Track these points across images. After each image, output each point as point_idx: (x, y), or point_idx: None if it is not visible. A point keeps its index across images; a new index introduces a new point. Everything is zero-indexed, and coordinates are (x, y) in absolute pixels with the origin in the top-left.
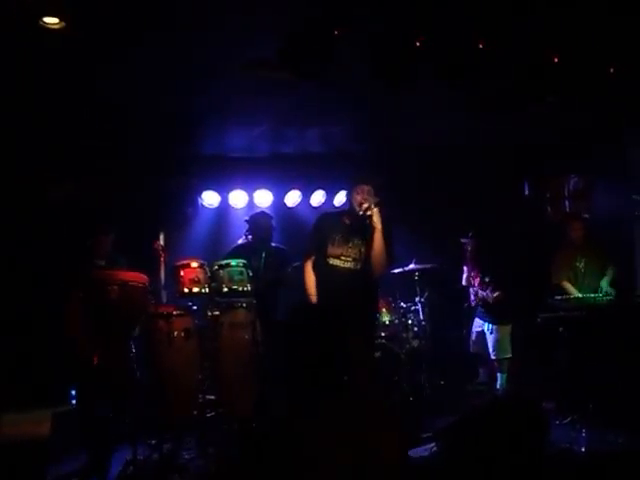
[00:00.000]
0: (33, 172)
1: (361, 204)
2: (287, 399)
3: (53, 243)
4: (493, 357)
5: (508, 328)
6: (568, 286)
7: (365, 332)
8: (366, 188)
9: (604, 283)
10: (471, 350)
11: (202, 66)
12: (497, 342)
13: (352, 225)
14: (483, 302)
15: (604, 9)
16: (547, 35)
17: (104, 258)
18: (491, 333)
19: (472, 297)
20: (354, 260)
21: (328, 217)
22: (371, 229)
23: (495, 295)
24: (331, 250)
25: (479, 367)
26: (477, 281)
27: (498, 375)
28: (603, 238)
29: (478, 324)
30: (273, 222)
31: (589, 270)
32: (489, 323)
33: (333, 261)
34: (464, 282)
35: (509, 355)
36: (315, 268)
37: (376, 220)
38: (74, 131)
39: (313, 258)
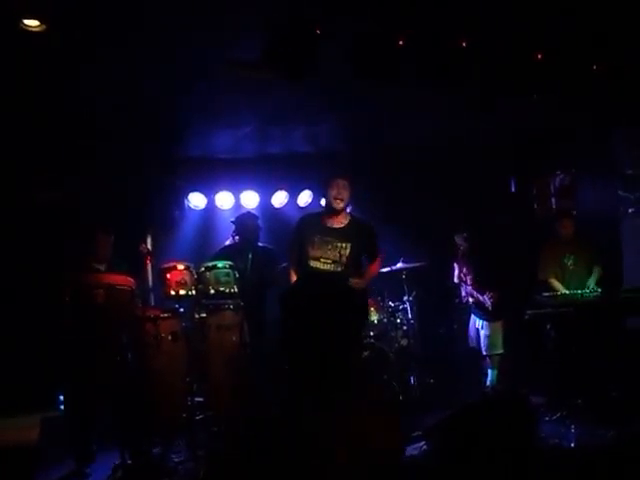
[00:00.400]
0: (18, 174)
1: (336, 198)
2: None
3: (38, 246)
4: (484, 353)
5: (499, 324)
6: (555, 283)
7: (347, 335)
8: (341, 182)
9: (591, 281)
10: (470, 346)
11: (186, 66)
12: (488, 338)
13: (329, 227)
14: (478, 303)
15: (588, 7)
16: (531, 33)
17: (104, 262)
18: (482, 329)
19: (463, 294)
20: (333, 262)
21: (307, 219)
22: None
23: (491, 299)
24: (311, 252)
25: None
26: (469, 279)
27: (489, 371)
28: (591, 235)
29: (474, 320)
30: (259, 222)
31: (577, 267)
32: (481, 320)
33: (314, 263)
34: (455, 279)
35: (500, 351)
36: (298, 270)
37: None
38: (57, 133)
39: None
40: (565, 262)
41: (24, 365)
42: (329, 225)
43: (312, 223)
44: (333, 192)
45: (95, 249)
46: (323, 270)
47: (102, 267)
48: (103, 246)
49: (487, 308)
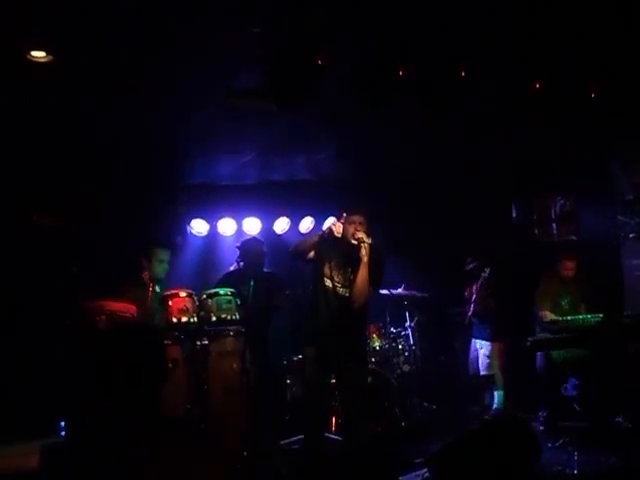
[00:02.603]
0: (18, 199)
1: (354, 235)
2: None
3: (40, 271)
4: (482, 372)
5: (498, 346)
6: (548, 315)
7: (357, 356)
8: (357, 219)
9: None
10: (471, 373)
11: (186, 96)
12: (487, 357)
13: (345, 253)
14: (483, 312)
15: (585, 35)
16: (529, 62)
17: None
18: (481, 348)
19: (470, 309)
20: (343, 287)
21: (326, 240)
22: (358, 260)
23: (488, 301)
24: (326, 271)
25: (484, 390)
26: (477, 289)
27: (495, 393)
28: (589, 264)
29: (474, 343)
30: (264, 248)
31: (572, 308)
32: (482, 340)
33: (327, 282)
34: (466, 294)
35: (495, 371)
36: (312, 284)
37: (364, 253)
38: (58, 160)
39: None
40: (560, 302)
41: (24, 391)
42: (343, 251)
43: (331, 245)
44: (351, 229)
45: (151, 267)
46: (335, 291)
47: (139, 289)
48: (160, 262)
49: (490, 316)
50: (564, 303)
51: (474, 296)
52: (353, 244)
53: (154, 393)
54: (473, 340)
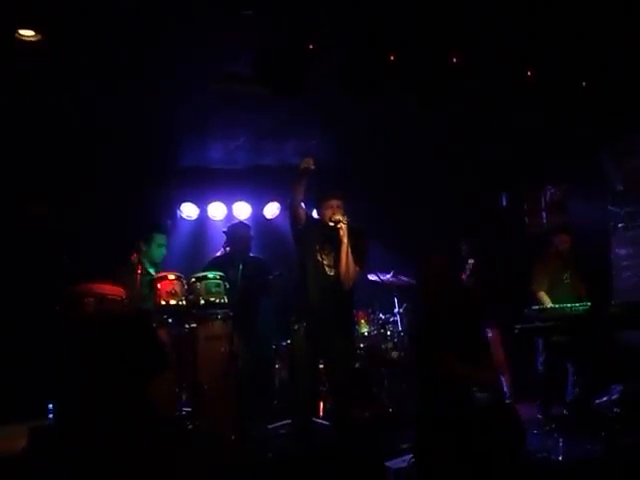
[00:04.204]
0: (6, 186)
1: (331, 219)
2: None
3: (28, 257)
4: None
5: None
6: (544, 297)
7: (345, 340)
8: (334, 203)
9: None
10: None
11: (180, 80)
12: None
13: (326, 237)
14: None
15: (578, 24)
16: (521, 50)
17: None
18: None
19: None
20: (329, 267)
21: (312, 221)
22: (338, 242)
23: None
24: (315, 252)
25: None
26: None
27: None
28: (578, 253)
29: None
30: (251, 232)
31: (573, 282)
32: None
33: (317, 262)
34: None
35: None
36: (300, 264)
37: (342, 234)
38: (49, 146)
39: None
40: (562, 277)
41: (13, 374)
42: (323, 234)
43: (315, 228)
44: (328, 213)
45: (150, 252)
46: (324, 269)
47: (128, 273)
48: (160, 247)
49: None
50: (565, 277)
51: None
52: (332, 227)
53: (143, 380)
54: None
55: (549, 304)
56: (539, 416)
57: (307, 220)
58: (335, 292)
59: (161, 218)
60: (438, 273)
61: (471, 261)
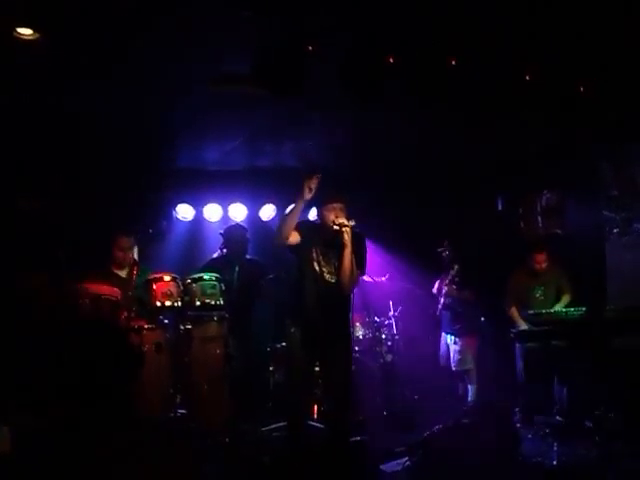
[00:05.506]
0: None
1: (334, 222)
2: None
3: (22, 254)
4: (453, 368)
5: (471, 340)
6: (514, 314)
7: (342, 344)
8: (337, 206)
9: (557, 307)
10: (441, 364)
11: (176, 80)
12: (458, 353)
13: (327, 241)
14: (451, 305)
15: (575, 27)
16: (518, 52)
17: (125, 268)
18: (454, 344)
19: (441, 302)
20: (329, 273)
21: (310, 226)
22: (341, 246)
23: (462, 292)
24: (314, 256)
25: (458, 382)
26: (447, 283)
27: (469, 387)
28: (573, 258)
29: (444, 338)
30: (248, 235)
31: (546, 299)
32: (452, 335)
33: (315, 267)
34: (434, 290)
35: (469, 367)
36: (298, 269)
37: (347, 238)
38: (42, 142)
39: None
40: (534, 294)
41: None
42: (325, 239)
43: (314, 232)
44: (331, 215)
45: (115, 252)
46: (322, 276)
47: (123, 273)
48: (124, 248)
49: (458, 310)
50: (538, 295)
51: (444, 290)
52: (335, 231)
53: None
54: (443, 334)
55: (520, 321)
56: (518, 425)
57: (302, 233)
58: (334, 298)
59: (157, 219)
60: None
61: (456, 267)
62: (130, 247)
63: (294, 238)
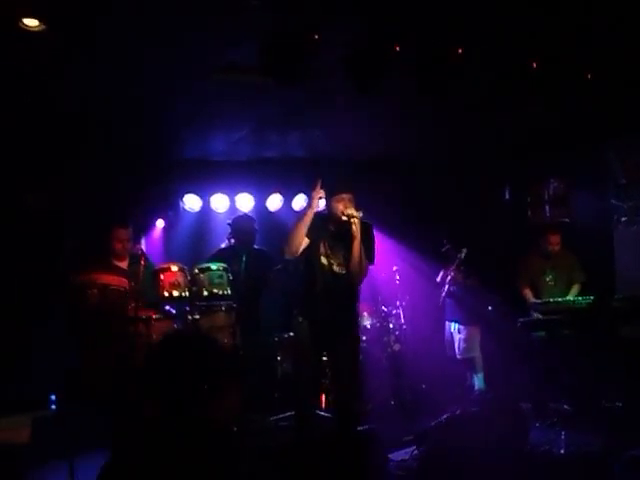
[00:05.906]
0: (4, 175)
1: (343, 212)
2: None
3: (30, 247)
4: (459, 357)
5: (475, 329)
6: (528, 294)
7: (350, 334)
8: (346, 197)
9: (570, 297)
10: (448, 353)
11: (181, 69)
12: (464, 341)
13: (336, 232)
14: (455, 292)
15: (583, 14)
16: (526, 40)
17: (125, 259)
18: (459, 332)
19: (445, 290)
20: (339, 265)
21: (318, 218)
22: (350, 237)
23: (468, 279)
24: (322, 249)
25: (466, 371)
26: (453, 269)
27: (474, 376)
28: (581, 247)
29: (448, 326)
30: (256, 225)
31: (556, 285)
32: (457, 323)
33: (324, 259)
34: (438, 279)
35: (475, 354)
36: (306, 261)
37: (355, 229)
38: (48, 133)
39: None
40: (544, 279)
41: (16, 364)
42: (333, 230)
43: (322, 224)
44: (340, 206)
45: (114, 243)
46: (331, 269)
47: (123, 264)
48: (123, 239)
49: (463, 297)
50: (549, 279)
51: (449, 277)
52: (343, 222)
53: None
54: (447, 323)
55: (532, 300)
56: (534, 409)
57: (310, 235)
58: (342, 289)
59: (163, 209)
60: None
61: (464, 250)
62: (128, 239)
63: (304, 245)
